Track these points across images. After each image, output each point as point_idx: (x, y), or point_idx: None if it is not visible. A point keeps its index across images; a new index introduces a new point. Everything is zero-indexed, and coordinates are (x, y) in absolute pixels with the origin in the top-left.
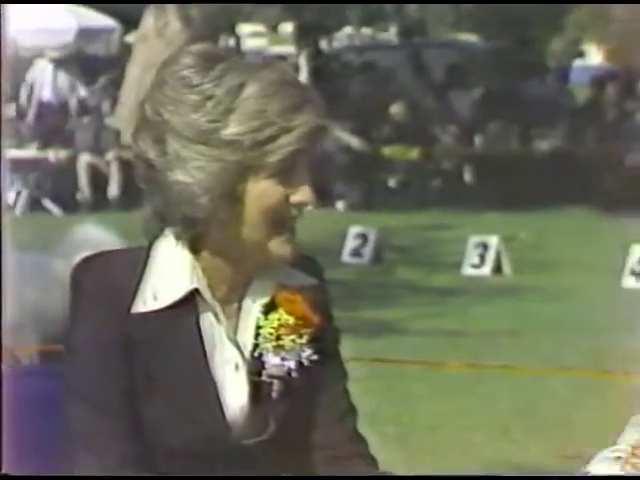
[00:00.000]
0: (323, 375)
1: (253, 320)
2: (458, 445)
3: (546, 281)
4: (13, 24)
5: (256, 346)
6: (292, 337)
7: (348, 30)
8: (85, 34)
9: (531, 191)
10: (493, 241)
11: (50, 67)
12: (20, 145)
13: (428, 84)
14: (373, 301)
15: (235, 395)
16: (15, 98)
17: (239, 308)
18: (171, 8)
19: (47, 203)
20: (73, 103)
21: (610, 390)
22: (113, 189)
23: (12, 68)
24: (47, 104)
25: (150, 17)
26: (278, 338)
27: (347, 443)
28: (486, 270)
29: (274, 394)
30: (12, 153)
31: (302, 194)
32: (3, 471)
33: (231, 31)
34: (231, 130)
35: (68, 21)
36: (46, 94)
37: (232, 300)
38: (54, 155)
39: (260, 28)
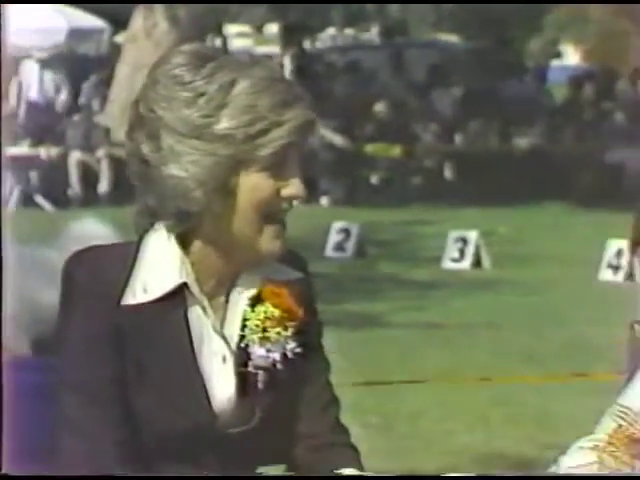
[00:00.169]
0: (307, 367)
1: (240, 313)
2: (438, 433)
3: (524, 275)
4: (6, 24)
5: (242, 338)
6: (277, 329)
7: (331, 31)
8: (76, 34)
9: (510, 187)
10: (472, 236)
11: (36, 67)
12: (12, 143)
13: (410, 83)
14: (356, 294)
15: (222, 386)
16: (6, 97)
17: (226, 301)
18: (159, 9)
19: (39, 199)
20: (60, 103)
21: (586, 381)
22: (103, 185)
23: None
24: (34, 104)
25: (139, 18)
26: (264, 330)
27: (329, 433)
28: (466, 264)
29: (260, 385)
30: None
31: (293, 187)
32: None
33: (218, 32)
34: (223, 125)
35: (59, 22)
36: (32, 94)
37: (219, 293)
38: (45, 152)
39: (246, 29)
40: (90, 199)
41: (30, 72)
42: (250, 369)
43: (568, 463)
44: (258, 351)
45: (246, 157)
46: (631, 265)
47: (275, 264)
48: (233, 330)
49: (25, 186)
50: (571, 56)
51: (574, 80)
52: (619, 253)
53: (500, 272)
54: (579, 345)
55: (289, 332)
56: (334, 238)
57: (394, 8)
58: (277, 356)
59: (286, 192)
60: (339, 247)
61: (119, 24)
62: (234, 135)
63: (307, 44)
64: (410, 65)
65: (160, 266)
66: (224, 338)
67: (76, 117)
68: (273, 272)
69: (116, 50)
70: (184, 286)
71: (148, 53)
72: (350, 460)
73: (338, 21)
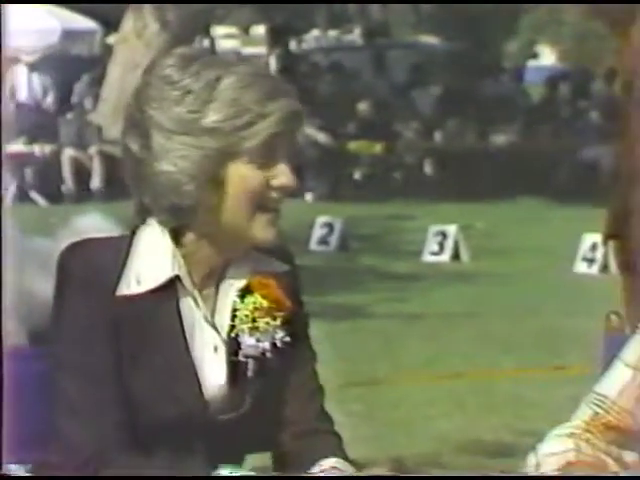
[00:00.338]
0: (294, 356)
1: (229, 304)
2: (418, 420)
3: (502, 267)
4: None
5: (232, 328)
6: (266, 319)
7: (316, 32)
8: (69, 36)
9: (488, 183)
10: (451, 230)
11: (25, 70)
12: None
13: (391, 83)
14: (339, 287)
15: (214, 374)
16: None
17: (216, 292)
18: (149, 11)
19: (33, 195)
20: (47, 103)
21: (563, 370)
22: (95, 181)
23: None
24: (22, 105)
25: (130, 20)
26: (253, 320)
27: (314, 420)
28: (445, 257)
29: (249, 373)
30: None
31: (283, 177)
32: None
33: (206, 33)
34: (210, 119)
35: (52, 23)
36: (21, 95)
37: (209, 285)
38: (40, 150)
39: (233, 30)
40: (83, 195)
41: (19, 74)
42: (240, 358)
43: (545, 450)
44: (248, 340)
45: (233, 149)
46: (605, 258)
47: (263, 257)
48: (223, 320)
49: (20, 182)
50: (547, 57)
51: (550, 80)
52: (594, 246)
53: (478, 265)
54: (555, 335)
55: (278, 322)
56: (318, 232)
57: (376, 11)
58: (267, 345)
59: (276, 182)
60: (323, 241)
61: (111, 26)
62: (221, 128)
63: (292, 45)
64: (391, 65)
65: (153, 259)
66: (215, 328)
67: (69, 115)
68: (261, 264)
69: (108, 51)
70: (176, 278)
71: (139, 54)
72: (333, 447)
73: (322, 23)
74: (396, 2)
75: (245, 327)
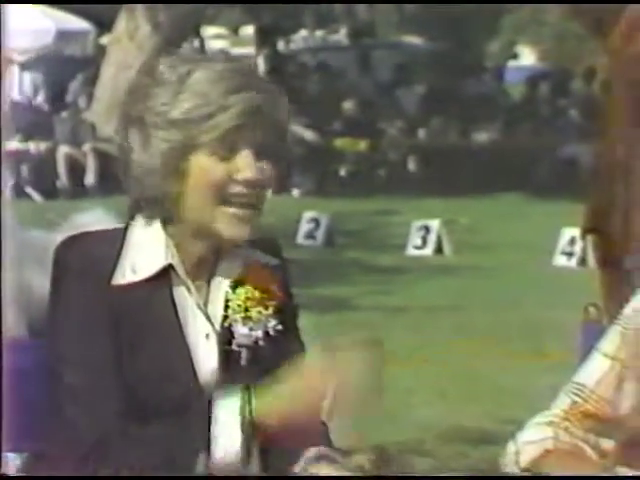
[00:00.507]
0: (285, 346)
1: (222, 294)
2: (401, 408)
3: (483, 261)
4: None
5: (226, 318)
6: (258, 309)
7: (303, 33)
8: (63, 36)
9: (470, 179)
10: (434, 224)
11: (20, 70)
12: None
13: (376, 82)
14: (326, 279)
15: (206, 361)
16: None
17: (209, 284)
18: (141, 13)
19: (29, 190)
20: (42, 102)
21: (543, 360)
22: (89, 177)
23: None
24: (17, 103)
25: (122, 21)
26: (246, 310)
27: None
28: (428, 251)
29: (242, 361)
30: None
31: (245, 171)
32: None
33: (196, 34)
34: (176, 111)
35: (46, 24)
36: (16, 95)
37: (202, 276)
38: (35, 147)
39: (222, 31)
40: (77, 190)
41: (15, 74)
42: (234, 347)
43: (525, 438)
44: (241, 330)
45: (194, 142)
46: (584, 251)
47: (254, 250)
48: (216, 310)
49: (16, 178)
50: (527, 57)
51: (530, 79)
52: (572, 240)
53: (460, 258)
54: (535, 326)
55: (270, 311)
56: (305, 227)
57: (361, 11)
58: (259, 334)
59: (239, 176)
60: (309, 235)
61: (104, 27)
62: (185, 120)
63: (280, 45)
64: (376, 65)
65: (147, 249)
66: (207, 316)
67: (64, 114)
68: (252, 257)
69: (101, 51)
70: (170, 267)
71: (131, 54)
72: (320, 435)
73: (309, 24)
74: (381, 2)
75: (238, 317)
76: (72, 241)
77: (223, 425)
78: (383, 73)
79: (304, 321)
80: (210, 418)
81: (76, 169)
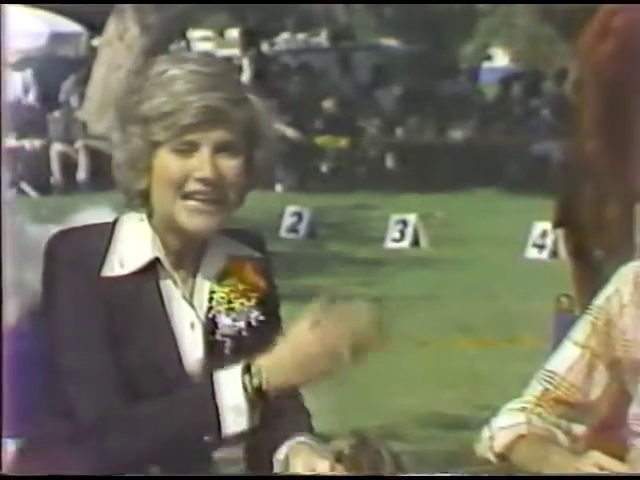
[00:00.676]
0: (267, 336)
1: (207, 286)
2: (380, 395)
3: (458, 253)
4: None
5: (210, 309)
6: (241, 300)
7: (285, 35)
8: (56, 38)
9: (445, 175)
10: (411, 219)
11: (17, 70)
12: None
13: (355, 82)
14: (308, 271)
15: (191, 350)
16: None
17: (195, 276)
18: (131, 16)
19: (24, 186)
20: (36, 101)
21: (516, 349)
22: (81, 174)
23: None
24: (13, 103)
25: (112, 23)
26: (229, 302)
27: (284, 397)
28: (405, 244)
29: (226, 351)
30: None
31: (201, 170)
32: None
33: (183, 36)
34: (144, 107)
35: (40, 27)
36: (12, 94)
37: (188, 268)
38: (29, 144)
39: (209, 33)
40: (70, 186)
41: (11, 75)
42: (218, 337)
43: (499, 423)
44: (225, 321)
45: (155, 139)
46: (555, 244)
47: (238, 243)
48: (201, 302)
49: (12, 174)
50: (500, 58)
51: (503, 80)
52: (544, 234)
53: (437, 251)
54: (509, 316)
55: (252, 302)
56: (288, 221)
57: (341, 15)
58: (242, 324)
59: (196, 174)
60: (292, 229)
61: (95, 29)
62: (149, 117)
63: (264, 47)
64: (356, 66)
65: (134, 243)
66: (192, 306)
67: (57, 113)
68: (236, 250)
69: (93, 52)
70: (156, 260)
71: (121, 55)
72: (302, 422)
73: (291, 27)
74: (362, 2)
75: (222, 308)
76: (63, 235)
77: (229, 402)
78: (362, 74)
79: (286, 311)
80: (214, 394)
81: (69, 166)
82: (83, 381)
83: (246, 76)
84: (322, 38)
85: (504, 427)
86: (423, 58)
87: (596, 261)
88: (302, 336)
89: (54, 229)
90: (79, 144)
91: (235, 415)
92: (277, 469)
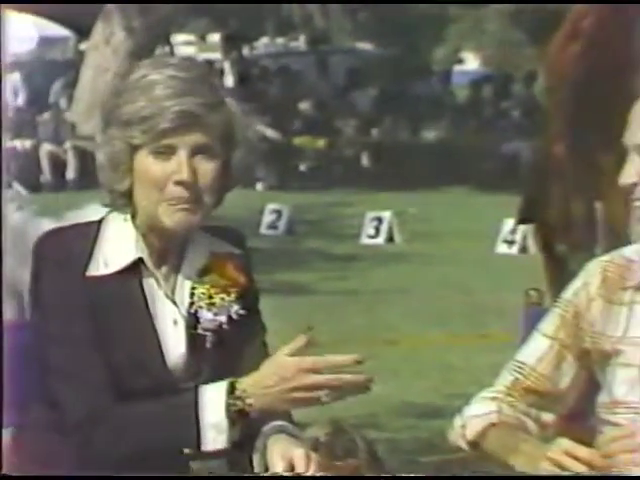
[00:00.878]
0: (247, 329)
1: (188, 283)
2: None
3: (431, 248)
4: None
5: (192, 304)
6: (222, 295)
7: (265, 40)
8: (45, 42)
9: (419, 174)
10: (386, 215)
11: (6, 74)
12: None
13: (332, 85)
14: (287, 266)
15: (174, 346)
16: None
17: (176, 272)
18: (116, 21)
19: (15, 184)
20: (26, 103)
21: (487, 340)
22: (70, 173)
23: None
24: (4, 105)
25: (99, 28)
26: (210, 297)
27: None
28: (380, 240)
29: (208, 344)
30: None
31: (179, 173)
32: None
33: (167, 40)
34: (124, 111)
35: (30, 31)
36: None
37: (170, 266)
38: (21, 144)
39: (191, 37)
40: (59, 184)
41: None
42: (199, 331)
43: (471, 412)
44: (206, 315)
45: (134, 142)
46: (524, 240)
47: (218, 240)
48: (183, 298)
49: (5, 174)
50: (471, 62)
51: (474, 82)
52: (513, 230)
53: (410, 246)
54: (480, 309)
55: (232, 297)
56: (268, 218)
57: (318, 20)
58: (223, 319)
59: (175, 177)
60: (272, 226)
61: (83, 33)
62: (129, 120)
63: (245, 51)
64: (332, 69)
65: (118, 243)
66: (175, 304)
67: (46, 114)
68: (217, 246)
69: (80, 56)
70: (139, 260)
71: (107, 58)
72: (283, 411)
73: (271, 31)
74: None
75: (203, 303)
76: (50, 235)
77: (211, 420)
78: (339, 76)
79: (266, 305)
80: (197, 408)
81: (58, 165)
82: (69, 379)
83: (228, 79)
84: (300, 42)
85: (476, 416)
86: (397, 61)
87: (563, 256)
88: (281, 361)
89: (45, 223)
90: (68, 144)
91: (216, 433)
92: (256, 458)
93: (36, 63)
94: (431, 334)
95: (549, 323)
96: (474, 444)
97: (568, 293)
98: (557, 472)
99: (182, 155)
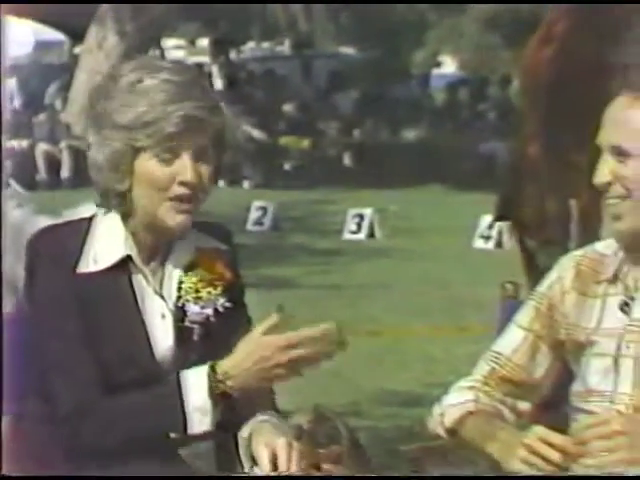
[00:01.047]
0: (233, 321)
1: (176, 277)
2: (340, 375)
3: (411, 244)
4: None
5: (179, 298)
6: (208, 289)
7: (251, 44)
8: (41, 46)
9: (399, 173)
10: (367, 212)
11: (5, 77)
12: None
13: (315, 87)
14: (272, 261)
15: (163, 339)
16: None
17: (164, 268)
18: (109, 25)
19: (12, 183)
20: (23, 105)
21: (465, 332)
22: (65, 172)
23: None
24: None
25: (92, 32)
26: (197, 291)
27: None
28: (362, 236)
29: (195, 337)
30: None
31: (183, 175)
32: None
33: (157, 44)
34: (124, 115)
35: (26, 35)
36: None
37: (157, 261)
38: (17, 144)
39: (181, 42)
40: (54, 183)
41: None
42: (187, 324)
43: (449, 401)
44: (193, 308)
45: (137, 145)
46: (500, 235)
47: (205, 236)
48: (171, 292)
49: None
50: (449, 65)
51: (452, 85)
52: (490, 226)
53: (391, 242)
54: (458, 302)
55: (219, 290)
56: (254, 215)
57: (303, 25)
58: (210, 311)
59: (179, 178)
60: (258, 222)
61: (77, 37)
62: (130, 124)
63: (232, 55)
64: (316, 72)
65: (108, 241)
66: (162, 298)
67: (42, 115)
68: (204, 242)
69: (75, 59)
70: (128, 258)
71: (100, 62)
72: (266, 400)
73: (257, 36)
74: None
75: (190, 297)
76: (44, 231)
77: (195, 403)
78: (322, 79)
79: (252, 298)
80: (181, 393)
81: (53, 164)
82: (60, 372)
83: (216, 82)
84: (285, 46)
85: (454, 404)
86: (378, 65)
87: (537, 251)
88: (258, 340)
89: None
90: (62, 144)
91: (201, 415)
92: (242, 447)
93: (33, 66)
94: (412, 327)
95: (524, 315)
96: (452, 432)
97: (543, 286)
98: (557, 471)
99: (186, 157)
